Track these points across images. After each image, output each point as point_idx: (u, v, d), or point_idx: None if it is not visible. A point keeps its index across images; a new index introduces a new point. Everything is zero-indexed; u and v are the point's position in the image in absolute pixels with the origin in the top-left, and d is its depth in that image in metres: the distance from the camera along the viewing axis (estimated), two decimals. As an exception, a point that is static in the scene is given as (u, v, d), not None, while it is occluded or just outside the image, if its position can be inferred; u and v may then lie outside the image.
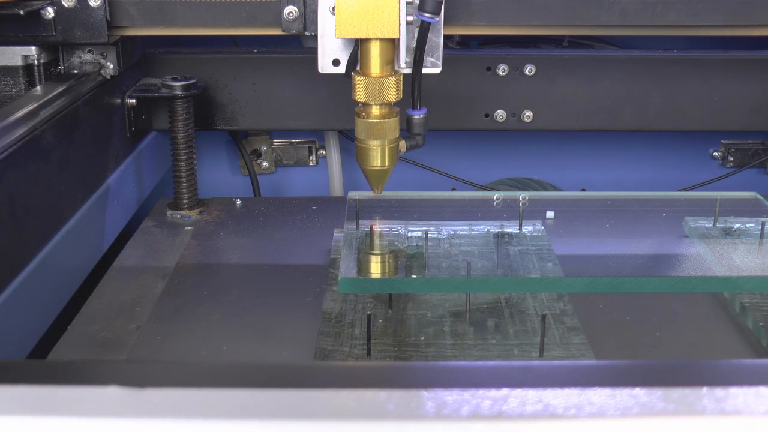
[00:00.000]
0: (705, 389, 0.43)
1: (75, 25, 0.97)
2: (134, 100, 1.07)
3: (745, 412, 0.42)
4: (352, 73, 0.86)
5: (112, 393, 0.42)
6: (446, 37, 1.00)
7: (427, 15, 0.82)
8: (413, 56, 0.85)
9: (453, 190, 1.30)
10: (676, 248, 0.90)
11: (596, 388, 0.43)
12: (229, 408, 0.42)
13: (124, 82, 1.06)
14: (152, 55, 1.14)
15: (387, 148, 0.88)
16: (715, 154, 1.33)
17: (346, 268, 0.79)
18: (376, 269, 0.85)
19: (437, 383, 0.43)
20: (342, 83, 0.90)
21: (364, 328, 0.78)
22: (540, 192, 1.25)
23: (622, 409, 0.42)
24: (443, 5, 0.83)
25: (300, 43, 1.22)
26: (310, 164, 1.32)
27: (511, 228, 0.91)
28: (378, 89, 0.85)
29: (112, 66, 1.02)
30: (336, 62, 0.88)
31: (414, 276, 0.82)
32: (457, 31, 1.08)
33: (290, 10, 0.97)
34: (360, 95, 0.86)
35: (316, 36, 0.88)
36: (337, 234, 0.97)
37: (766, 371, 0.46)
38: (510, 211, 0.92)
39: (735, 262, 0.83)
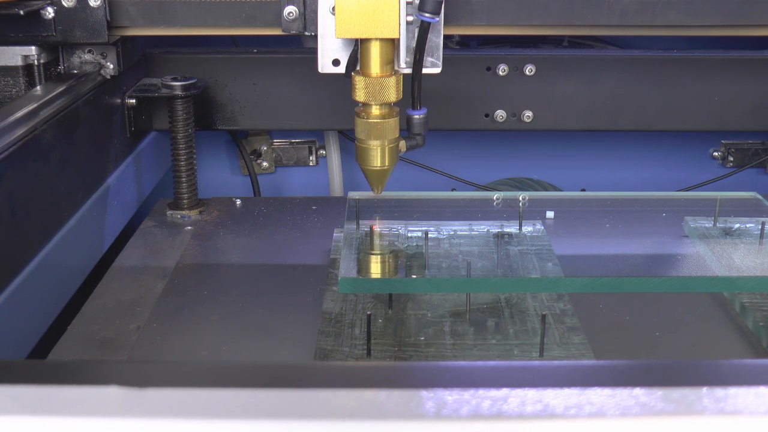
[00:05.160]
0: (705, 389, 0.43)
1: (75, 25, 0.97)
2: (134, 100, 1.07)
3: (745, 412, 0.42)
4: (352, 73, 0.86)
5: (112, 393, 0.42)
6: (446, 37, 1.00)
7: (427, 15, 0.82)
8: (413, 56, 0.85)
9: (453, 190, 1.30)
10: (676, 248, 0.90)
11: (596, 388, 0.43)
12: (229, 408, 0.42)
13: (124, 82, 1.06)
14: (152, 55, 1.14)
15: (387, 148, 0.88)
16: (715, 154, 1.33)
17: (346, 268, 0.79)
18: (376, 269, 0.85)
19: (437, 383, 0.43)
20: (342, 83, 0.90)
21: (364, 328, 0.78)
22: (540, 192, 1.25)
23: (622, 409, 0.42)
24: (443, 5, 0.83)
25: (300, 43, 1.22)
26: (310, 164, 1.32)
27: (511, 228, 0.91)
28: (378, 89, 0.85)
29: (112, 66, 1.02)
30: (336, 62, 0.88)
31: (414, 276, 0.82)
32: (457, 31, 1.08)
33: (290, 10, 0.97)
34: (360, 95, 0.86)
35: (316, 36, 0.88)
36: (337, 234, 0.97)
37: (766, 371, 0.46)
38: (510, 211, 0.92)
39: (735, 262, 0.83)
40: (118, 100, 1.05)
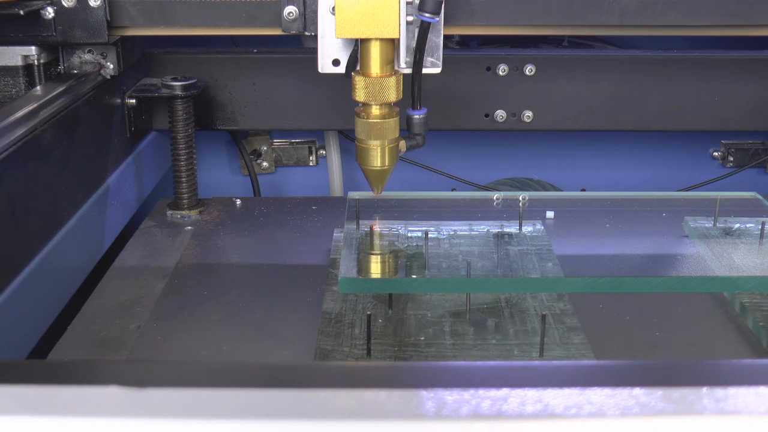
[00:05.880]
0: (705, 389, 0.43)
1: (75, 25, 0.97)
2: (134, 100, 1.07)
3: (744, 412, 0.42)
4: (352, 73, 0.86)
5: (112, 393, 0.42)
6: (446, 37, 1.00)
7: (427, 15, 0.82)
8: (413, 56, 0.85)
9: (453, 190, 1.30)
10: (676, 248, 0.90)
11: (596, 388, 0.43)
12: (229, 408, 0.42)
13: (124, 82, 1.06)
14: (152, 55, 1.14)
15: (387, 148, 0.88)
16: (715, 154, 1.33)
17: (346, 268, 0.79)
18: (376, 269, 0.85)
19: (437, 383, 0.43)
20: (342, 83, 0.90)
21: (364, 328, 0.78)
22: (540, 192, 1.25)
23: (622, 409, 0.42)
24: (443, 5, 0.83)
25: (300, 43, 1.22)
26: (310, 164, 1.32)
27: (511, 228, 0.91)
28: (378, 89, 0.85)
29: (112, 66, 1.02)
30: (336, 62, 0.88)
31: (414, 276, 0.82)
32: (457, 31, 1.08)
33: (290, 10, 0.97)
34: (360, 95, 0.86)
35: (316, 36, 0.88)
36: (337, 234, 0.97)
37: (766, 371, 0.46)
38: (510, 211, 0.92)
39: (735, 262, 0.83)
40: (118, 100, 1.05)
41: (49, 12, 0.97)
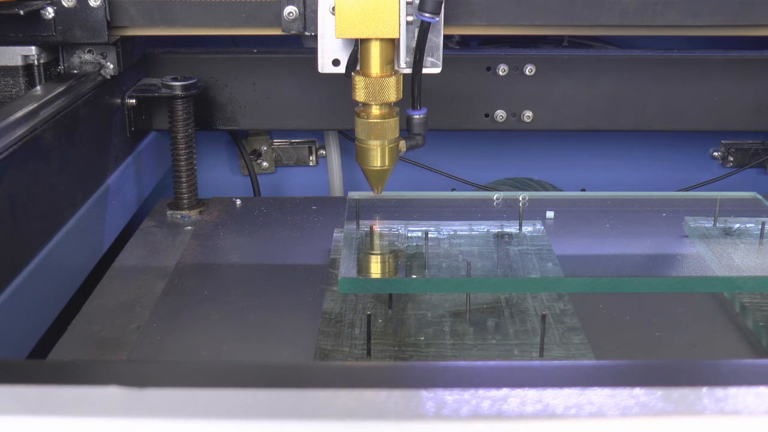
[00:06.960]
0: (705, 389, 0.43)
1: (75, 25, 0.97)
2: (134, 100, 1.07)
3: (744, 412, 0.42)
4: (352, 73, 0.86)
5: (112, 393, 0.42)
6: (446, 37, 1.00)
7: (427, 15, 0.82)
8: (413, 56, 0.85)
9: (453, 190, 1.30)
10: (676, 248, 0.90)
11: (596, 388, 0.43)
12: (229, 408, 0.42)
13: (124, 82, 1.06)
14: (152, 55, 1.14)
15: (387, 148, 0.88)
16: (715, 154, 1.33)
17: (346, 268, 0.79)
18: (376, 269, 0.85)
19: (437, 383, 0.43)
20: (342, 83, 0.90)
21: (364, 328, 0.78)
22: (540, 192, 1.25)
23: (622, 409, 0.42)
24: (443, 5, 0.83)
25: (300, 43, 1.22)
26: (310, 164, 1.32)
27: (511, 228, 0.91)
28: (378, 89, 0.85)
29: (112, 66, 1.02)
30: (336, 62, 0.88)
31: (414, 276, 0.82)
32: (457, 31, 1.08)
33: (290, 10, 0.97)
34: (360, 95, 0.86)
35: (316, 36, 0.88)
36: (337, 234, 0.97)
37: (766, 371, 0.46)
38: (510, 211, 0.92)
39: (735, 262, 0.83)
40: (118, 100, 1.05)
41: (49, 12, 0.97)
